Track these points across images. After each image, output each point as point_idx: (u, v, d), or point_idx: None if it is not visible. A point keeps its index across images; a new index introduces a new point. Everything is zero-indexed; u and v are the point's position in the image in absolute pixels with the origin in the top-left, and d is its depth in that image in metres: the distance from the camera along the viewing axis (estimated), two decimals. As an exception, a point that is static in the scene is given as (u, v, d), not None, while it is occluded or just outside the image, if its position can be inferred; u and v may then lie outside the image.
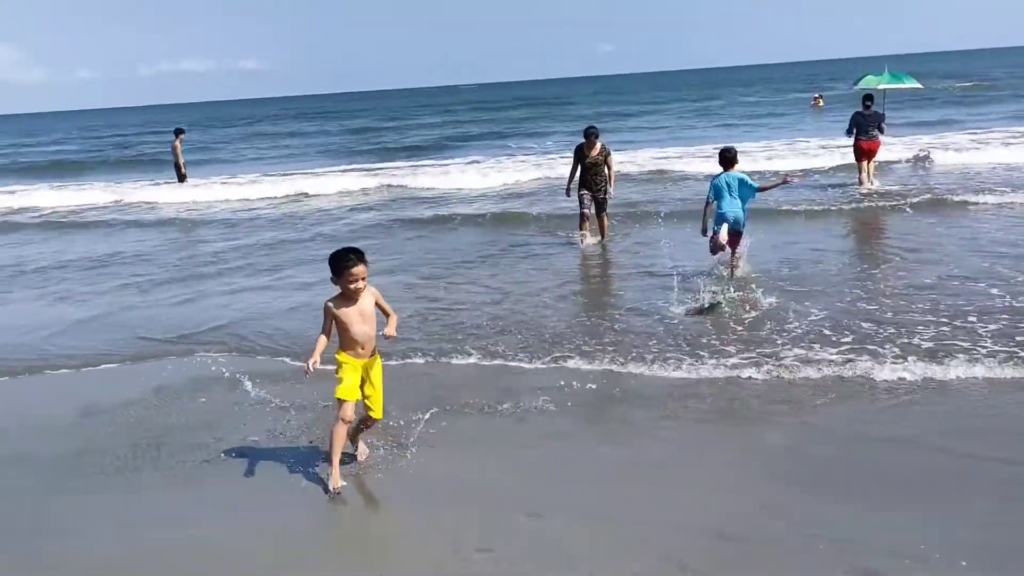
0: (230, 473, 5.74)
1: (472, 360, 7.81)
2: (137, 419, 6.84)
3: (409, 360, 7.89)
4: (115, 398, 7.36)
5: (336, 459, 5.37)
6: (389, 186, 22.29)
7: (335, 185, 22.91)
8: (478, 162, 28.25)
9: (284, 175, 26.92)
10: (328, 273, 5.33)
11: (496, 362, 7.74)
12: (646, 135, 36.65)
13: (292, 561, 4.61)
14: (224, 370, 7.74)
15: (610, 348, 7.90)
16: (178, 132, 24.70)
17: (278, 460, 5.84)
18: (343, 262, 5.26)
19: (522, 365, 7.63)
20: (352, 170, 27.80)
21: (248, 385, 7.24)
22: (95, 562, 4.76)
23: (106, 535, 5.07)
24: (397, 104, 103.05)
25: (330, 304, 5.36)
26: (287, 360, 8.21)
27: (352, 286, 5.26)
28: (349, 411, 5.39)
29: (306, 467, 5.69)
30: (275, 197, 21.85)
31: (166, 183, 26.00)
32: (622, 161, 23.07)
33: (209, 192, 23.22)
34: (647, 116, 49.66)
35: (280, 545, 4.78)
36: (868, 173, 16.86)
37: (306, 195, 21.90)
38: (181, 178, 24.85)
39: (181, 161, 24.76)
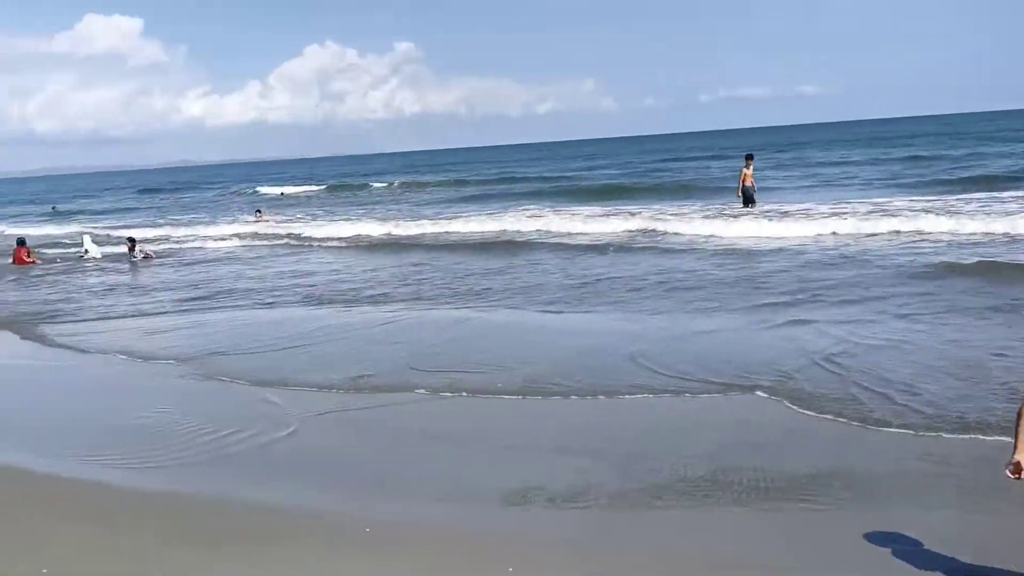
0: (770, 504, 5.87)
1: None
2: (695, 447, 7.22)
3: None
4: (665, 425, 7.87)
5: None
6: (914, 230, 19.82)
7: (881, 223, 21.01)
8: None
9: (835, 205, 25.99)
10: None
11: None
12: None
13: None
14: (776, 417, 7.81)
15: None
16: (748, 158, 25.86)
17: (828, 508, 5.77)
18: None
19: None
20: (905, 201, 25.97)
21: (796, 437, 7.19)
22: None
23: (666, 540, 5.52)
24: (966, 129, 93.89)
25: None
26: (847, 421, 7.64)
27: None
28: None
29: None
30: (846, 234, 20.43)
31: (727, 208, 26.84)
32: None
33: (751, 223, 23.04)
34: None
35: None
36: None
37: (864, 233, 20.38)
38: (747, 202, 25.74)
39: (749, 184, 25.85)
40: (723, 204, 28.33)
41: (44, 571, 5.42)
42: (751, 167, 26.04)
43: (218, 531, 6.03)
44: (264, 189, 74.09)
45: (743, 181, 26.09)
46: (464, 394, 9.09)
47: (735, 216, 24.57)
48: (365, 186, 67.73)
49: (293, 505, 6.50)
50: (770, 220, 23.08)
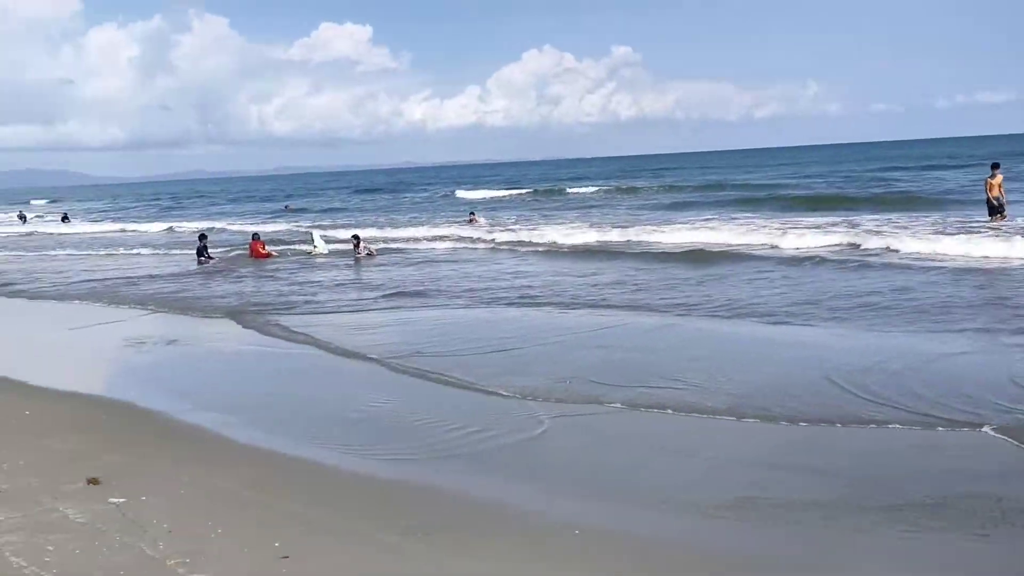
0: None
1: None
2: (913, 476, 6.84)
3: None
4: (881, 455, 7.44)
5: None
6: None
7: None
8: None
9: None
10: None
11: None
12: None
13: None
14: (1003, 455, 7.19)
15: None
16: (994, 166, 25.09)
17: None
18: None
19: None
20: None
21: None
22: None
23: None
24: None
25: None
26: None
27: None
28: None
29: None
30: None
31: (969, 220, 25.47)
32: None
33: (993, 239, 21.00)
34: None
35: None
36: None
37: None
38: (993, 211, 24.72)
39: (996, 194, 24.74)
40: (961, 217, 26.76)
41: (276, 544, 5.74)
42: (997, 176, 24.71)
43: (429, 521, 6.24)
44: (461, 193, 75.71)
45: (989, 191, 25.05)
46: (670, 411, 8.85)
47: (976, 230, 22.98)
48: (575, 190, 68.16)
49: (505, 502, 6.66)
50: (1012, 236, 21.18)
